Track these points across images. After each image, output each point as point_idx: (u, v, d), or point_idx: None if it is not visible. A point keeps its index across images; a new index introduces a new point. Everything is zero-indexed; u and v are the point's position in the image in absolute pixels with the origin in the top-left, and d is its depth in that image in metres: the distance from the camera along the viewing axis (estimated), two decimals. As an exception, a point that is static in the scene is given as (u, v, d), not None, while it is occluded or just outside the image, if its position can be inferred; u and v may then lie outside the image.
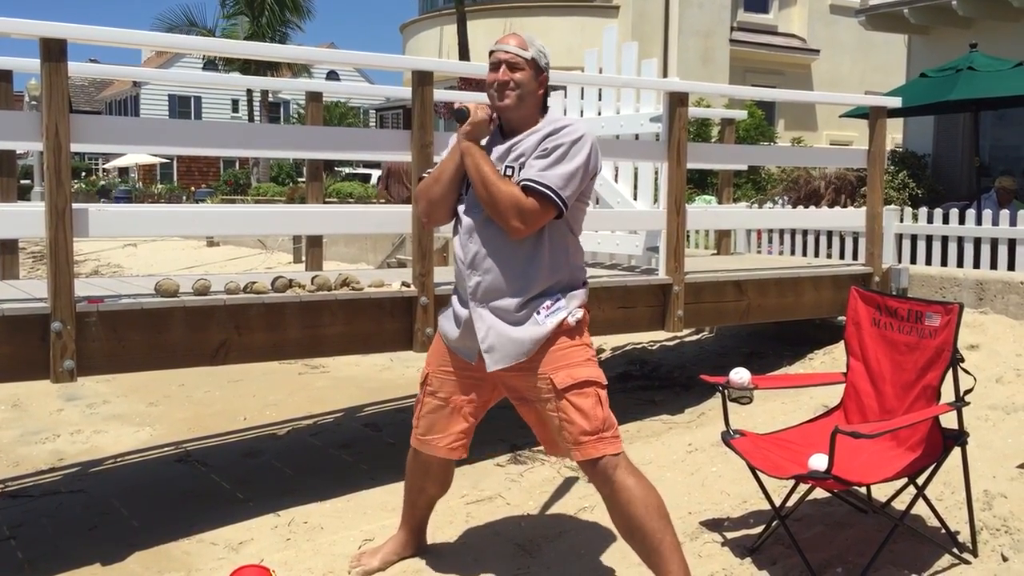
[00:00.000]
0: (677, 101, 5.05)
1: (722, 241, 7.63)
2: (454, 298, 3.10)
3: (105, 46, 4.27)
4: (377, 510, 4.12)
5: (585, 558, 3.45)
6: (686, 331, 7.62)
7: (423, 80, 4.27)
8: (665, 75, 16.64)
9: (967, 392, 3.17)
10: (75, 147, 3.53)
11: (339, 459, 5.05)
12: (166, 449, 5.29)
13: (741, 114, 7.81)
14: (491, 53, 2.96)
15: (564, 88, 6.36)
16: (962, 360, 3.15)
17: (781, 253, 8.38)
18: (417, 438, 3.25)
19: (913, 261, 7.32)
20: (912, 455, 3.14)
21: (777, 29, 21.45)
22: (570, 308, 2.92)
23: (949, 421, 3.21)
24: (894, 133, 12.56)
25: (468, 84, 14.90)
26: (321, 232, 5.56)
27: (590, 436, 2.83)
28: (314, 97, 5.54)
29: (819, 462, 2.96)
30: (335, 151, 4.69)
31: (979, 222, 7.02)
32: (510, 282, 2.88)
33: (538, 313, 2.88)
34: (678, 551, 2.86)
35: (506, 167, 2.90)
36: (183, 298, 3.85)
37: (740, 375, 3.44)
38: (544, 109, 3.01)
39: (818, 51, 21.45)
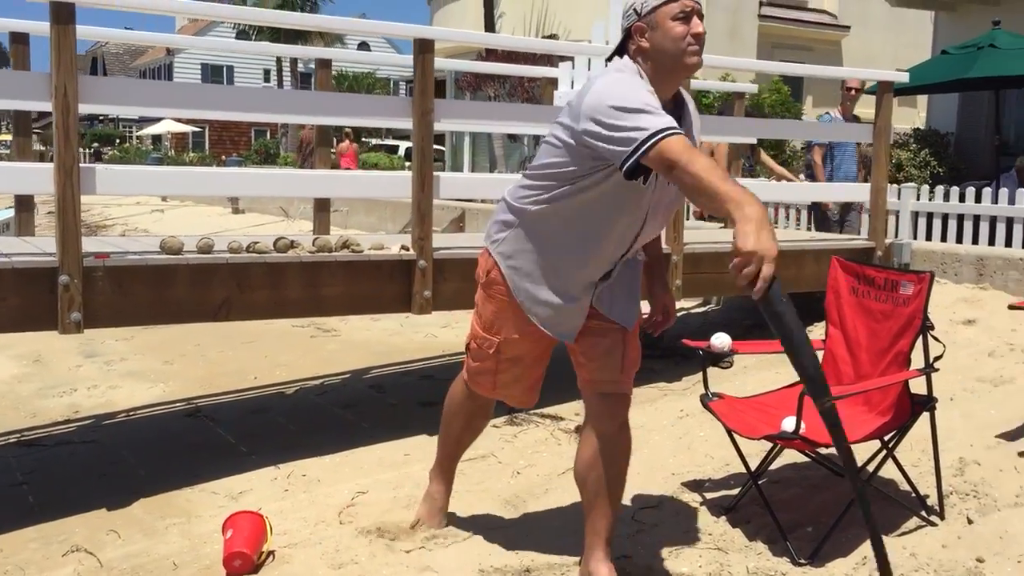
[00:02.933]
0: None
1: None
2: (549, 292, 2.90)
3: (121, 11, 4.39)
4: (373, 466, 4.27)
5: (568, 513, 3.56)
6: (692, 303, 7.69)
7: (424, 48, 4.36)
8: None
9: (936, 359, 3.24)
10: (83, 108, 3.66)
11: (342, 418, 5.20)
12: (177, 404, 5.47)
13: (750, 87, 7.79)
14: (671, 2, 2.54)
15: (572, 59, 6.41)
16: (932, 328, 3.22)
17: (798, 227, 8.42)
18: (499, 392, 3.18)
19: (928, 238, 7.36)
20: (882, 419, 3.22)
21: (807, 4, 21.21)
22: None
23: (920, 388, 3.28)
24: (920, 111, 12.47)
25: (493, 56, 14.90)
26: (323, 195, 5.59)
27: (630, 371, 2.99)
28: (323, 64, 5.63)
29: (790, 424, 3.05)
30: (336, 116, 4.79)
31: (995, 201, 7.05)
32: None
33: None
34: (618, 506, 2.95)
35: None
36: (187, 256, 3.99)
37: (721, 339, 3.52)
38: None
39: (849, 27, 21.20)
